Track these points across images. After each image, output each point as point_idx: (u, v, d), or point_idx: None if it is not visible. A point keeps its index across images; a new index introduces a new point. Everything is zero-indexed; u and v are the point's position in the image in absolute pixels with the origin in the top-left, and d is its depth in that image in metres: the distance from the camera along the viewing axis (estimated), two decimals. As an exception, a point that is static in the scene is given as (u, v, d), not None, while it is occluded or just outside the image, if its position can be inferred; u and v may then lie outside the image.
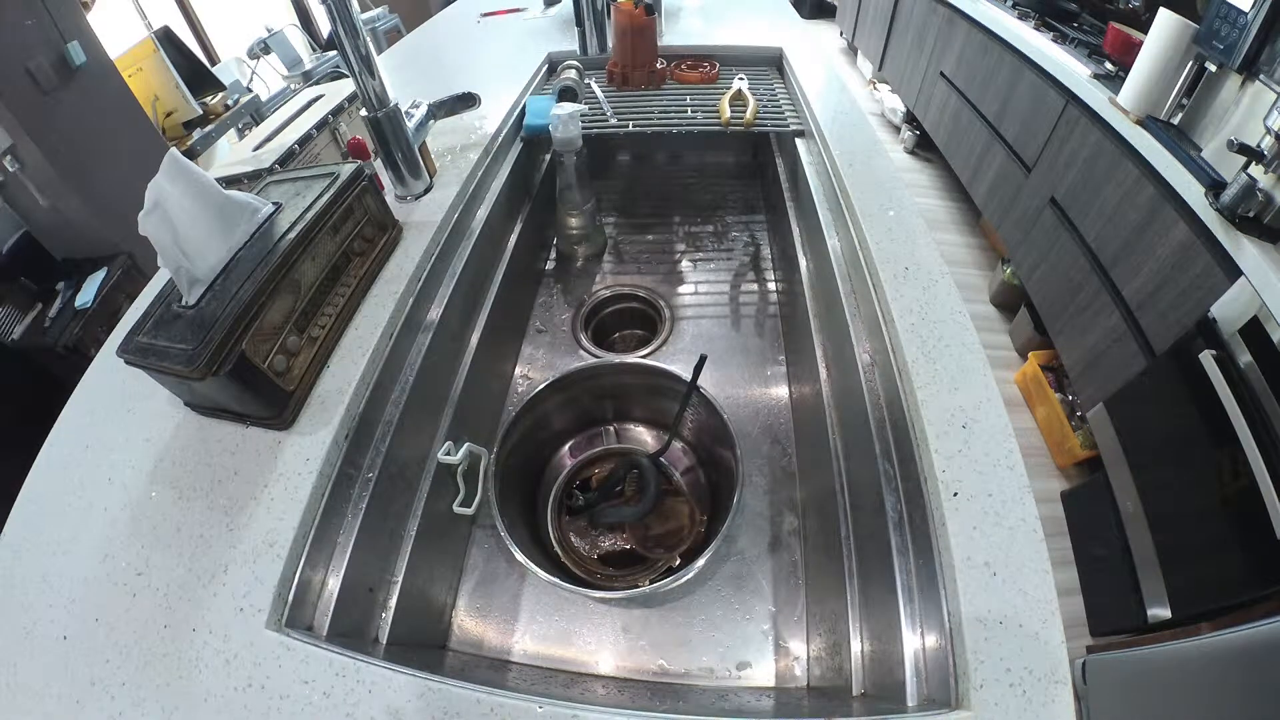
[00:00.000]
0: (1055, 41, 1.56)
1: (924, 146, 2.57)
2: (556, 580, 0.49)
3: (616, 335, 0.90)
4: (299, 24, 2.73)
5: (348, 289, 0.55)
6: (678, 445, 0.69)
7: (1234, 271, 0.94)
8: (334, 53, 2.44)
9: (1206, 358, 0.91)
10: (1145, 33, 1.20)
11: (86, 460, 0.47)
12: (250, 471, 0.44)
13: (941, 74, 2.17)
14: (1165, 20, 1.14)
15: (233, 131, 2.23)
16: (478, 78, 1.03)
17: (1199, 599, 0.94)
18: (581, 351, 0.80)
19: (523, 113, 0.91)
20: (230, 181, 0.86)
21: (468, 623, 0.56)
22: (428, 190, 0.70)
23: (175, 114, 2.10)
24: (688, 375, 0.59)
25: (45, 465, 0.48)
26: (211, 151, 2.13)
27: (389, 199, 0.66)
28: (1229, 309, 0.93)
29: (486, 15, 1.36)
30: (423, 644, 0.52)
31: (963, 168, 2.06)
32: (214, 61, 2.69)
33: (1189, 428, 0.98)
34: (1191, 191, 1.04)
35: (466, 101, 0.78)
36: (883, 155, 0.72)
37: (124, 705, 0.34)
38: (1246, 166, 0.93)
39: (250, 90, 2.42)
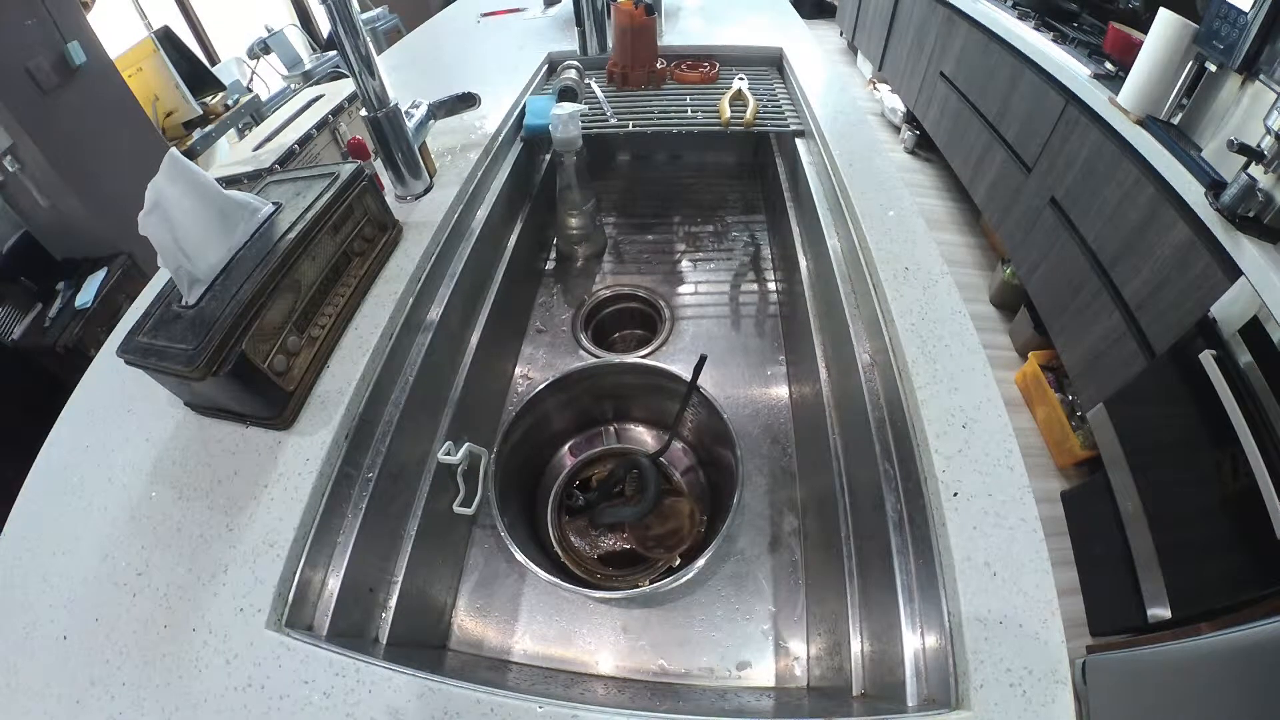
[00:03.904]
0: (1055, 41, 1.56)
1: (924, 146, 2.57)
2: (556, 580, 0.49)
3: (616, 335, 0.90)
4: (299, 24, 2.73)
5: (348, 289, 0.55)
6: (678, 445, 0.69)
7: (1234, 271, 0.94)
8: (334, 53, 2.44)
9: (1206, 358, 0.91)
10: (1145, 33, 1.20)
11: (86, 460, 0.47)
12: (250, 471, 0.44)
13: (941, 74, 2.17)
14: (1165, 20, 1.14)
15: (233, 131, 2.23)
16: (478, 78, 1.03)
17: (1199, 599, 0.94)
18: (581, 351, 0.80)
19: (523, 113, 0.91)
20: (230, 181, 0.86)
21: (468, 623, 0.56)
22: (428, 190, 0.70)
23: (175, 114, 2.10)
24: (688, 375, 0.59)
25: (45, 465, 0.48)
26: (211, 151, 2.13)
27: (389, 199, 0.66)
28: (1229, 309, 0.93)
29: (486, 15, 1.36)
30: (423, 644, 0.52)
31: (963, 168, 2.06)
32: (214, 61, 2.69)
33: (1189, 428, 0.98)
34: (1191, 191, 1.04)
35: (466, 101, 0.78)
36: (883, 155, 0.72)
37: (124, 705, 0.34)
38: (1246, 166, 0.93)
39: (250, 90, 2.42)
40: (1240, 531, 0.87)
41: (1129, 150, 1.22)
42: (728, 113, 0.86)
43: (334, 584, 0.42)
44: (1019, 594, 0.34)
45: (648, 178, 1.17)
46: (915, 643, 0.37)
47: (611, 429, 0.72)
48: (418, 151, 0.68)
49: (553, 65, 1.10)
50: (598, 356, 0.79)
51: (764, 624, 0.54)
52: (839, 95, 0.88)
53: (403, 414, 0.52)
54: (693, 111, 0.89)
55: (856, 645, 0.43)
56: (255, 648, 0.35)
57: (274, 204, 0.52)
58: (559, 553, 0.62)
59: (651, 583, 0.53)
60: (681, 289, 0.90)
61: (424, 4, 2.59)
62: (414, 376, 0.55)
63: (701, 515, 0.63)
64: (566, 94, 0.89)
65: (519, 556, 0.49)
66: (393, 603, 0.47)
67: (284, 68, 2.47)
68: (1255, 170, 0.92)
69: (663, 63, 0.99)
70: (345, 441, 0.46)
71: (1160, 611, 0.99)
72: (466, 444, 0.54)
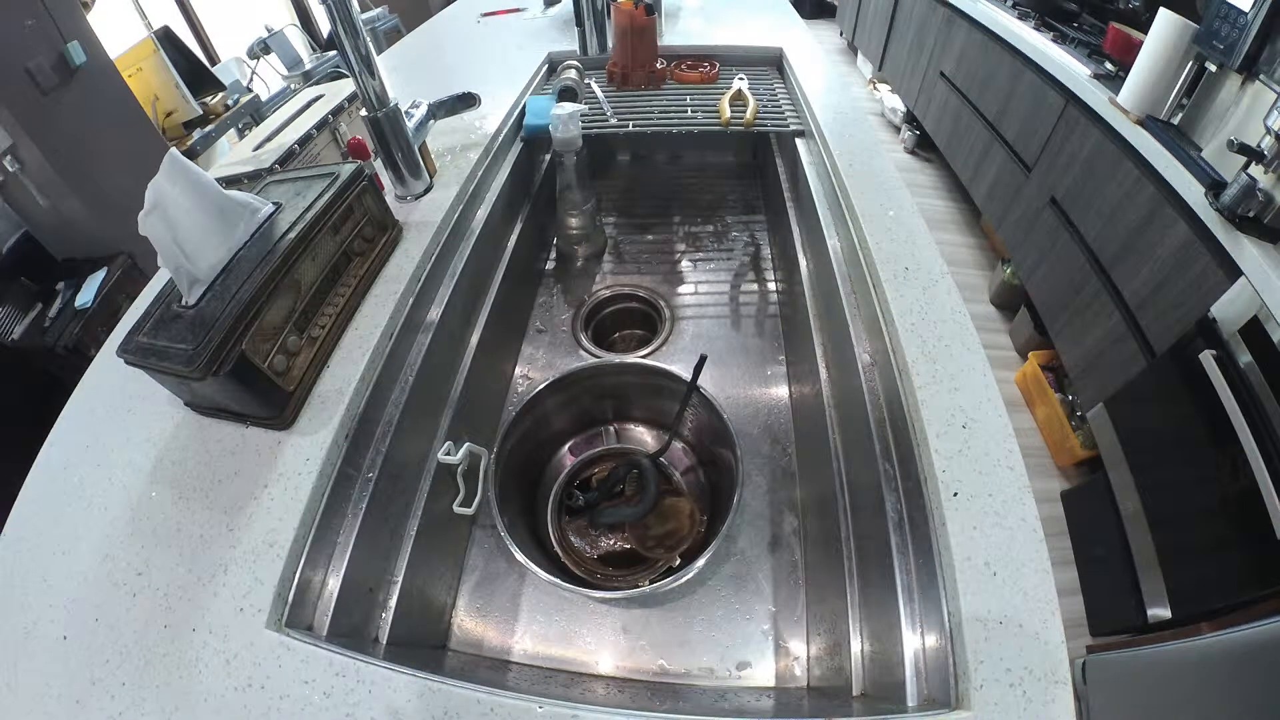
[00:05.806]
0: (1055, 41, 1.56)
1: (924, 146, 2.57)
2: (556, 580, 0.49)
3: (616, 335, 0.90)
4: (299, 24, 2.73)
5: (348, 289, 0.55)
6: (678, 445, 0.69)
7: (1234, 271, 0.94)
8: (334, 53, 2.44)
9: (1206, 358, 0.91)
10: (1145, 33, 1.20)
11: (86, 460, 0.47)
12: (250, 471, 0.44)
13: (941, 74, 2.17)
14: (1165, 20, 1.14)
15: (233, 131, 2.23)
16: (478, 78, 1.03)
17: (1199, 599, 0.94)
18: (581, 351, 0.80)
19: (523, 113, 0.91)
20: (230, 181, 0.86)
21: (468, 623, 0.56)
22: (428, 190, 0.70)
23: (175, 114, 2.10)
24: (688, 375, 0.59)
25: (45, 465, 0.48)
26: (211, 151, 2.13)
27: (389, 199, 0.66)
28: (1229, 309, 0.93)
29: (486, 15, 1.36)
30: (423, 644, 0.52)
31: (963, 168, 2.06)
32: (214, 61, 2.68)
33: (1189, 428, 0.98)
34: (1191, 191, 1.04)
35: (466, 101, 0.78)
36: (883, 155, 0.72)
37: (124, 705, 0.34)
38: (1246, 166, 0.93)
39: (250, 90, 2.41)
40: (1240, 531, 0.87)
41: (1129, 150, 1.22)
42: (728, 113, 0.86)
43: (334, 584, 0.42)
44: (1019, 594, 0.34)
45: (648, 178, 1.17)
46: (915, 643, 0.37)
47: (611, 429, 0.72)
48: (418, 151, 0.68)
49: (553, 65, 1.10)
50: (598, 356, 0.79)
51: (764, 624, 0.54)
52: (839, 95, 0.88)
53: (403, 414, 0.52)
54: (693, 111, 0.89)
55: (856, 645, 0.43)
56: (255, 648, 0.35)
57: (274, 204, 0.52)
58: (559, 553, 0.62)
59: (651, 583, 0.53)
60: (681, 289, 0.90)
61: (424, 4, 2.59)
62: (414, 376, 0.55)
63: (701, 515, 0.63)
64: (566, 94, 0.89)
65: (519, 556, 0.49)
66: (393, 603, 0.47)
67: (284, 68, 2.47)
68: (1255, 170, 0.92)
69: (663, 63, 0.99)
70: (345, 441, 0.46)
71: (1160, 611, 0.99)
72: (466, 444, 0.54)
